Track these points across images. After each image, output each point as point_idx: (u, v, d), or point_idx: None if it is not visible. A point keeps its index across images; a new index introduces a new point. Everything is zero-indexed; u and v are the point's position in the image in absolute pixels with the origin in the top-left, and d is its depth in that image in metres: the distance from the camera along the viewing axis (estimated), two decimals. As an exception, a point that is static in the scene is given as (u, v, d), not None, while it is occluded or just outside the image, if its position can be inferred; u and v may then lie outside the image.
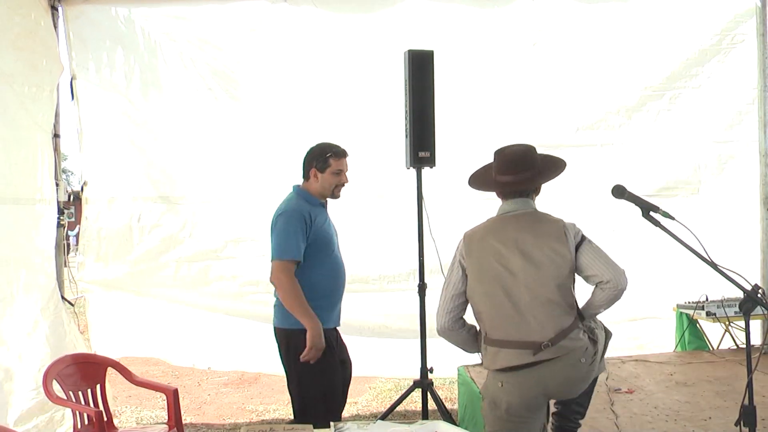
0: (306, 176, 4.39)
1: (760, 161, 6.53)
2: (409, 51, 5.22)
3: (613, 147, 6.59)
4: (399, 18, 6.33)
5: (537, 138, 6.42)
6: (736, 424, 3.24)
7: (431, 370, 5.28)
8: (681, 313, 6.37)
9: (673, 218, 3.24)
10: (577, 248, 3.56)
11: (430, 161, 5.26)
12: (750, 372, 3.13)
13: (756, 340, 6.25)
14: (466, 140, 6.26)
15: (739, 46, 6.63)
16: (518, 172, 3.72)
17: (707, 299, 6.18)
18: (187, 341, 6.74)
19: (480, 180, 3.97)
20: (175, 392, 4.84)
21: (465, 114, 6.35)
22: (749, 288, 3.11)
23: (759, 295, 3.13)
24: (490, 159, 3.89)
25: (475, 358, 5.62)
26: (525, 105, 6.50)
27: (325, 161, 4.33)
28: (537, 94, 6.53)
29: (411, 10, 6.31)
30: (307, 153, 4.41)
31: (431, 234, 5.34)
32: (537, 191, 3.81)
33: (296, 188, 4.42)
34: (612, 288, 3.52)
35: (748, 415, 3.19)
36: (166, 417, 4.88)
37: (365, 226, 6.32)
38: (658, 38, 6.53)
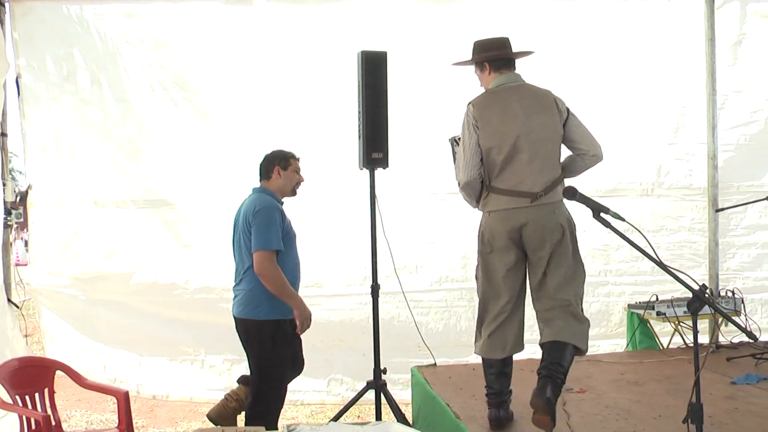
0: (268, 176, 4.86)
1: (708, 163, 6.63)
2: (363, 52, 5.21)
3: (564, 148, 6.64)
4: (353, 17, 6.33)
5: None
6: (683, 422, 3.29)
7: (384, 371, 5.28)
8: (632, 313, 6.43)
9: (623, 219, 3.28)
10: (565, 121, 4.24)
11: (383, 162, 5.25)
12: (697, 370, 3.18)
13: (704, 339, 6.35)
14: (420, 141, 6.27)
15: (690, 50, 6.73)
16: (499, 48, 4.40)
17: (657, 299, 6.25)
18: (134, 355, 6.60)
19: (465, 62, 4.59)
20: (126, 395, 4.78)
21: (418, 114, 6.34)
22: (697, 288, 3.16)
23: (706, 295, 3.19)
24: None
25: (428, 358, 5.72)
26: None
27: (287, 161, 4.87)
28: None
29: (365, 8, 6.31)
30: (268, 156, 4.90)
31: (384, 235, 5.33)
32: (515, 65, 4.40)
33: (259, 189, 4.86)
34: (593, 158, 4.29)
35: (695, 412, 3.24)
36: (117, 420, 4.81)
37: (319, 228, 6.28)
38: (609, 40, 6.60)
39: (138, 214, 6.46)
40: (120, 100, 6.36)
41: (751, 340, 3.49)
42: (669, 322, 6.16)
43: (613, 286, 6.48)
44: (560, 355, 4.12)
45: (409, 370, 5.79)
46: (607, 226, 3.26)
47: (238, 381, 5.02)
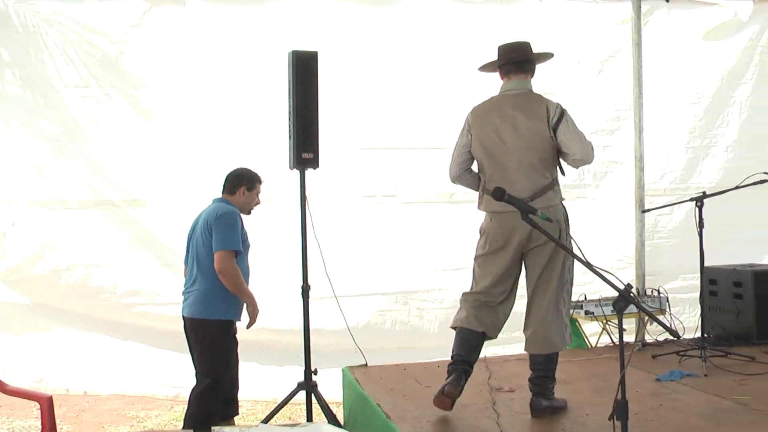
0: (232, 192, 5.11)
1: (635, 166, 6.77)
2: (293, 52, 5.16)
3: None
4: (286, 16, 6.31)
5: (422, 139, 6.54)
6: (609, 419, 3.34)
7: (315, 372, 5.26)
8: (563, 311, 6.53)
9: (550, 221, 3.33)
10: (555, 126, 4.39)
11: (314, 163, 5.22)
12: (623, 368, 3.23)
13: (631, 337, 6.48)
14: (351, 141, 6.27)
15: (618, 55, 6.87)
16: (513, 52, 4.62)
17: (586, 299, 6.36)
18: (63, 360, 6.49)
19: (487, 68, 4.84)
20: (50, 400, 4.65)
21: (350, 114, 6.34)
22: (622, 287, 3.22)
23: (631, 294, 3.25)
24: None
25: (359, 359, 5.70)
26: (410, 105, 6.54)
27: (253, 184, 5.15)
28: (422, 94, 6.58)
29: (297, 8, 6.29)
30: (237, 173, 5.14)
31: (315, 236, 5.31)
32: (532, 73, 4.64)
33: (221, 199, 5.12)
34: (580, 161, 4.52)
35: (620, 409, 3.29)
36: (40, 427, 4.68)
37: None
38: (542, 44, 6.66)
39: (68, 215, 6.36)
40: (45, 94, 6.22)
41: (674, 338, 3.57)
42: (597, 321, 6.27)
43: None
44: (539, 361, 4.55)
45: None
46: (534, 227, 3.30)
47: None
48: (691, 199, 5.71)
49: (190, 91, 6.34)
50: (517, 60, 4.59)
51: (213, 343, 4.92)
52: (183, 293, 5.05)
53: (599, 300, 6.25)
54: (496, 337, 4.72)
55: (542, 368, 4.54)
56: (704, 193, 5.69)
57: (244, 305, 5.02)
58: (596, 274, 3.23)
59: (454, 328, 4.69)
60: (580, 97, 6.78)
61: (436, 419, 4.49)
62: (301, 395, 5.29)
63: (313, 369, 5.27)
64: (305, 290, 5.31)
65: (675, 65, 7.09)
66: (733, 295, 6.46)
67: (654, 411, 4.53)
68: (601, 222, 6.89)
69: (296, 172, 5.30)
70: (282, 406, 5.32)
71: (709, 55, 7.16)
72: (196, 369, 4.99)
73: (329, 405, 5.29)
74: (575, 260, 3.31)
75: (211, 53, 6.32)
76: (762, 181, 5.58)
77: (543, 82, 6.55)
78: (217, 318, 4.92)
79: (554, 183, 4.49)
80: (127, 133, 6.35)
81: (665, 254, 7.02)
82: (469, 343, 4.59)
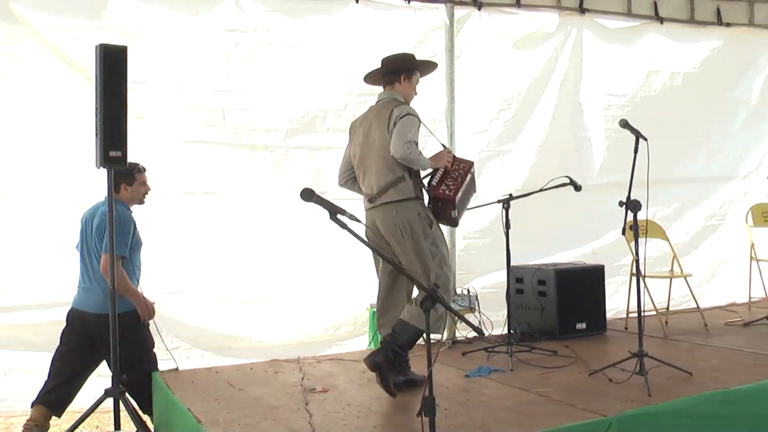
0: (117, 190, 5.29)
1: (447, 168, 6.95)
2: (101, 45, 4.91)
3: (316, 151, 6.71)
4: (98, 7, 6.01)
5: (252, 139, 6.43)
6: (417, 415, 3.41)
7: (124, 378, 5.06)
8: (374, 312, 6.58)
9: (359, 221, 3.34)
10: (392, 130, 4.87)
11: (122, 161, 5.02)
12: (429, 365, 3.30)
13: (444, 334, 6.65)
14: (171, 139, 6.10)
15: (432, 60, 7.00)
16: (384, 66, 5.22)
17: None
18: None
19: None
20: None
21: (163, 112, 6.16)
22: (429, 287, 3.29)
23: (438, 294, 3.33)
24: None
25: (171, 363, 5.56)
26: (238, 103, 6.43)
27: (132, 176, 5.42)
28: (250, 93, 6.48)
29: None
30: (115, 173, 5.15)
31: None
32: (401, 81, 5.16)
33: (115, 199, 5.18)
34: (401, 161, 4.87)
35: (428, 406, 3.36)
36: None
37: (56, 228, 5.92)
38: (360, 49, 6.72)
39: None
40: None
41: (480, 336, 3.68)
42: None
43: (357, 285, 6.61)
44: (397, 332, 4.97)
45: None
46: (343, 228, 3.31)
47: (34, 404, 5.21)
48: (498, 201, 5.94)
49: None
50: (384, 73, 5.20)
51: (133, 332, 5.26)
52: (83, 288, 5.33)
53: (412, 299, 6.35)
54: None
55: (400, 346, 4.98)
56: (510, 195, 5.94)
57: None
58: (403, 274, 3.28)
59: None
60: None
61: (248, 422, 4.42)
62: (109, 402, 5.08)
63: (121, 375, 5.07)
64: (112, 294, 5.09)
65: (486, 72, 7.32)
66: (538, 293, 6.78)
67: (462, 406, 4.65)
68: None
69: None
70: (87, 415, 5.08)
71: (518, 63, 7.46)
72: (111, 363, 5.05)
73: (139, 412, 5.13)
74: (384, 260, 3.31)
75: (22, 48, 5.92)
76: (564, 184, 5.87)
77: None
78: (126, 310, 5.23)
79: (401, 180, 4.94)
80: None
81: (476, 254, 7.22)
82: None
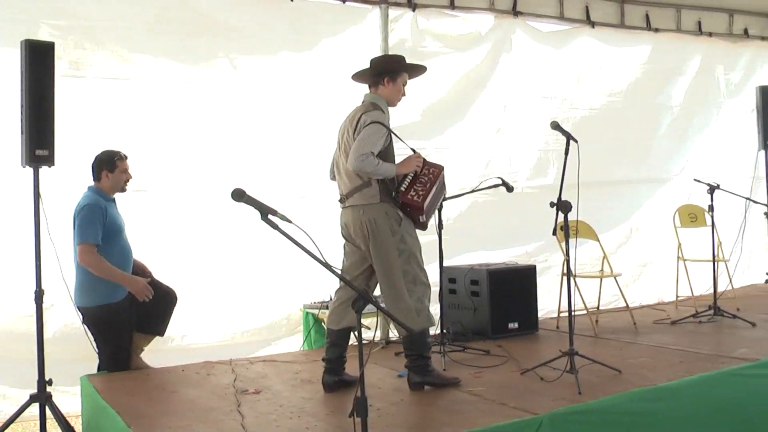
0: (98, 178, 5.59)
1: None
2: (26, 41, 4.79)
3: (252, 146, 6.64)
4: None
5: (183, 137, 6.32)
6: (350, 416, 3.40)
7: (50, 383, 4.94)
8: (307, 313, 6.59)
9: (290, 221, 3.32)
10: (356, 137, 4.85)
11: (49, 160, 4.90)
12: (361, 366, 3.30)
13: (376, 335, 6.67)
14: (91, 139, 5.96)
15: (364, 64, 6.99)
16: (371, 66, 5.20)
17: (331, 299, 6.42)
18: None
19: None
20: None
21: (90, 111, 6.03)
22: (361, 288, 3.29)
23: (369, 294, 3.33)
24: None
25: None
26: (166, 100, 6.32)
27: (113, 164, 5.58)
28: (170, 88, 6.38)
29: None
30: (96, 159, 5.58)
31: (50, 238, 5.01)
32: (384, 83, 5.09)
33: (91, 188, 5.59)
34: (354, 169, 4.86)
35: (360, 406, 3.36)
36: None
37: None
38: (296, 49, 6.68)
39: None
40: None
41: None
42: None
43: (291, 285, 6.57)
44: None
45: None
46: (274, 228, 3.28)
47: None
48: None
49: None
50: (370, 74, 5.17)
51: (94, 323, 5.47)
52: None
53: (346, 300, 6.34)
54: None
55: (407, 347, 5.03)
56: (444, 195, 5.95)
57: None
58: (334, 274, 3.27)
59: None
60: (329, 103, 6.84)
61: (180, 425, 4.37)
62: (35, 408, 4.95)
63: (47, 379, 4.94)
64: (39, 295, 4.98)
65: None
66: (471, 293, 6.83)
67: (396, 406, 4.66)
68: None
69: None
70: (11, 422, 4.95)
71: (452, 64, 7.49)
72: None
73: (67, 418, 5.00)
74: (315, 260, 3.29)
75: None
76: (496, 185, 5.93)
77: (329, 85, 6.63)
78: (95, 305, 5.43)
79: (366, 185, 4.93)
80: None
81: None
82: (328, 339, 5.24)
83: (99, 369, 5.57)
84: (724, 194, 7.52)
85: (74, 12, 5.96)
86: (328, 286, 6.11)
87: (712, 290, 7.35)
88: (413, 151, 5.17)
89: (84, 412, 5.36)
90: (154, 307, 5.67)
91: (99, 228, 5.39)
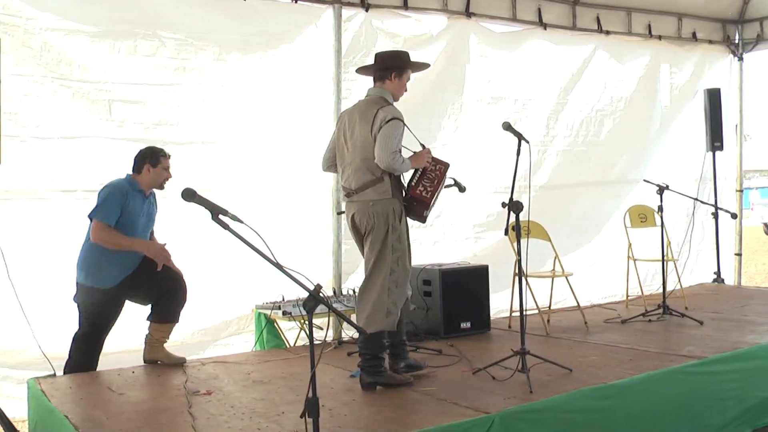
0: (139, 170, 5.70)
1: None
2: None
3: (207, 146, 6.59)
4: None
5: (138, 133, 6.21)
6: (301, 416, 3.39)
7: None
8: (259, 313, 6.55)
9: (241, 221, 3.30)
10: (377, 133, 4.95)
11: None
12: (313, 366, 3.29)
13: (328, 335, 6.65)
14: (49, 130, 5.86)
15: (317, 64, 6.98)
16: (377, 61, 5.30)
17: (284, 299, 6.42)
18: None
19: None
20: None
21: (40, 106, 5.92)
22: (312, 287, 3.28)
23: (321, 294, 3.32)
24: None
25: (48, 369, 5.35)
26: (125, 95, 6.23)
27: (157, 159, 5.70)
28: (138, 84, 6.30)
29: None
30: (140, 153, 5.71)
31: None
32: (391, 79, 5.21)
33: (128, 176, 5.71)
34: (384, 167, 4.98)
35: (311, 406, 3.35)
36: None
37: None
38: (246, 45, 6.63)
39: None
40: None
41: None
42: (295, 320, 6.35)
43: (242, 285, 6.52)
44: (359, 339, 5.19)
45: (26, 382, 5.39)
46: (225, 228, 3.26)
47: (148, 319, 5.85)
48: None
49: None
50: (376, 69, 5.28)
51: (83, 305, 5.58)
52: None
53: (297, 300, 6.32)
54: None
55: (362, 346, 5.06)
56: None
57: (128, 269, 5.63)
58: (285, 274, 3.26)
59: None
60: (280, 100, 6.82)
61: (129, 428, 4.31)
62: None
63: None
64: None
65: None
66: (423, 293, 6.84)
67: (347, 406, 4.66)
68: (302, 224, 6.97)
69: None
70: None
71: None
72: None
73: (13, 423, 4.91)
74: (266, 260, 3.28)
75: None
76: (448, 185, 5.93)
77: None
78: (88, 285, 5.54)
79: (379, 181, 5.03)
80: None
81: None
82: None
83: (71, 344, 5.60)
84: (674, 195, 7.65)
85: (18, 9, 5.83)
86: (279, 287, 6.06)
87: (661, 289, 7.46)
88: (422, 146, 5.33)
89: (31, 416, 5.25)
90: (166, 297, 5.77)
91: (117, 210, 5.49)
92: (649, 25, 9.22)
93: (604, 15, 8.83)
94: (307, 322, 3.40)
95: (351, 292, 6.78)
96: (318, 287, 3.28)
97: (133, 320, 5.96)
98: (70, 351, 5.59)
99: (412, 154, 5.26)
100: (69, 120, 5.99)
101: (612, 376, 5.08)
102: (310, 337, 3.36)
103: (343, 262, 7.03)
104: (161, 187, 5.80)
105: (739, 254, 10.25)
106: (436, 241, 7.61)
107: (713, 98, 9.58)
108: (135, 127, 6.22)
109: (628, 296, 8.19)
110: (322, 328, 6.09)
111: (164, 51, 6.33)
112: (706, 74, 9.83)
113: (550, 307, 7.49)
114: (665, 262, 7.44)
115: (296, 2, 6.88)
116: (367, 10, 7.20)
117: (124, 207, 5.53)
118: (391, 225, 5.04)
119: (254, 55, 6.71)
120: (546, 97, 8.43)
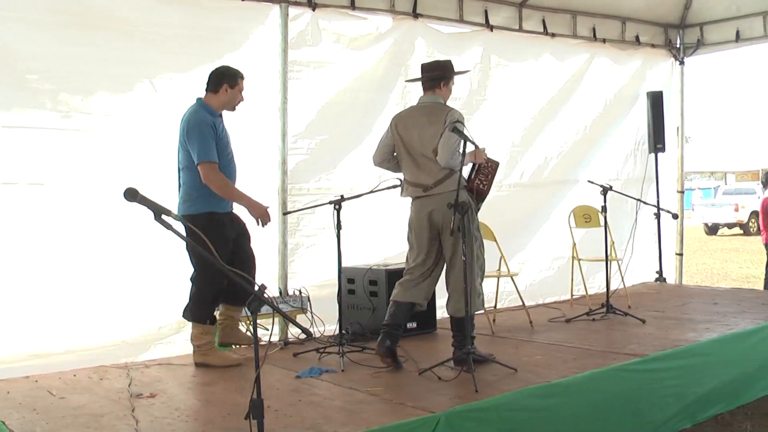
0: (215, 89, 5.70)
1: (279, 169, 6.88)
2: None
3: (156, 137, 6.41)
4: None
5: (83, 124, 6.08)
6: (246, 418, 3.37)
7: None
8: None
9: (184, 222, 3.26)
10: (441, 134, 5.41)
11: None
12: (257, 367, 3.27)
13: (276, 336, 6.62)
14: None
15: (264, 62, 6.92)
16: (426, 72, 5.82)
17: (230, 299, 6.36)
18: None
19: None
20: None
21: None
22: (256, 288, 3.26)
23: (265, 295, 3.30)
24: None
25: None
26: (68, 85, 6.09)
27: (235, 80, 5.75)
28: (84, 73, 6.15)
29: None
30: (217, 71, 5.76)
31: None
32: (441, 87, 5.75)
33: (199, 101, 5.72)
34: (445, 165, 5.46)
35: (256, 408, 3.33)
36: None
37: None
38: (194, 44, 6.55)
39: None
40: None
41: (308, 337, 3.68)
42: (241, 322, 6.30)
43: (182, 283, 6.41)
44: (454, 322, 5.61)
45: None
46: (168, 228, 3.22)
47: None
48: (330, 203, 5.94)
49: None
50: (426, 78, 5.78)
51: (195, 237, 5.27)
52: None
53: (243, 301, 6.26)
54: (424, 306, 5.92)
55: (456, 328, 5.54)
56: (342, 196, 5.95)
57: None
58: (229, 274, 3.23)
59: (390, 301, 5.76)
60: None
61: (69, 432, 4.24)
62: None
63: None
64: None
65: (320, 72, 7.28)
66: (370, 293, 6.84)
67: (293, 406, 4.64)
68: (246, 223, 6.90)
69: None
70: None
71: (351, 64, 7.47)
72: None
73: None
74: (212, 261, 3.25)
75: None
76: (394, 186, 5.95)
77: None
78: (197, 212, 5.48)
79: (451, 174, 5.46)
80: None
81: (308, 254, 7.19)
82: (395, 312, 5.66)
83: (191, 289, 5.77)
84: (618, 196, 7.76)
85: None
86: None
87: (605, 289, 7.56)
88: (475, 146, 5.48)
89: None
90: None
91: (213, 145, 5.52)
92: (594, 29, 9.32)
93: (550, 18, 8.91)
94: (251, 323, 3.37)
95: (297, 293, 6.74)
96: (262, 287, 3.26)
97: (72, 322, 5.87)
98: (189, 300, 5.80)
99: (471, 150, 5.55)
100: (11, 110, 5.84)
101: (556, 374, 5.14)
102: (255, 337, 3.34)
103: (288, 261, 6.98)
104: (233, 109, 5.84)
105: (681, 254, 10.44)
106: (382, 241, 7.58)
107: (656, 101, 9.75)
108: (81, 117, 6.07)
109: (572, 295, 8.29)
110: (267, 329, 6.04)
111: (112, 43, 6.20)
112: (649, 77, 10.00)
113: (495, 306, 7.55)
114: (609, 262, 7.55)
115: (243, 0, 6.82)
116: (314, 10, 7.15)
117: (217, 140, 5.59)
118: (470, 213, 5.35)
119: (202, 51, 6.60)
120: (493, 99, 8.46)
